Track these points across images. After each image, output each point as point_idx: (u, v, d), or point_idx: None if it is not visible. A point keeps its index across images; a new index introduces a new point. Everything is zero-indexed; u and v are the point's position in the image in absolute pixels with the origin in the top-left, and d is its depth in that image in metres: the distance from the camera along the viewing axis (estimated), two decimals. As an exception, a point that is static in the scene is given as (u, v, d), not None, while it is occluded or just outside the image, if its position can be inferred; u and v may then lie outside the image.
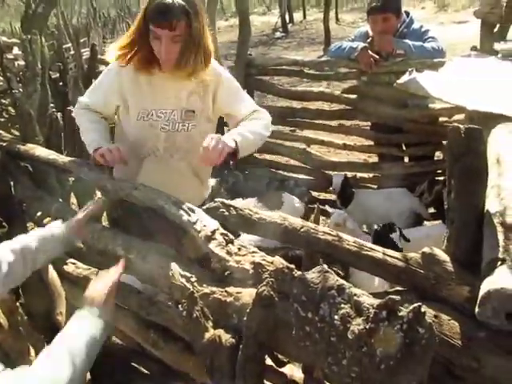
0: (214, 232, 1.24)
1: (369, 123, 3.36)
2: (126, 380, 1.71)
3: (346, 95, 3.13)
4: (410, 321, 0.65)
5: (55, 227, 1.40)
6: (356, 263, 1.04)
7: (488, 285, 0.81)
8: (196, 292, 1.18)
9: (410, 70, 1.91)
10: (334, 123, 3.51)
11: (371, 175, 3.31)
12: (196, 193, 1.85)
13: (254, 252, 1.23)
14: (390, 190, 2.91)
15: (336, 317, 0.70)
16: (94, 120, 1.75)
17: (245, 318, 0.97)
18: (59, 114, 2.34)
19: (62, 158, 1.81)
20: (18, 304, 1.66)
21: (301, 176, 3.47)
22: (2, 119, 5.94)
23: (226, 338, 1.07)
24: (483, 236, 0.93)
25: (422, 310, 0.65)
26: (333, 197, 3.38)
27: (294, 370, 1.19)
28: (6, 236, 1.58)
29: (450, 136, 0.93)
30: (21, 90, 5.55)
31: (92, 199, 1.81)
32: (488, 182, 1.02)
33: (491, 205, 0.96)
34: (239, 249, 1.24)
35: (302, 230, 1.09)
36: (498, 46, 2.11)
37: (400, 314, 0.65)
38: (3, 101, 6.33)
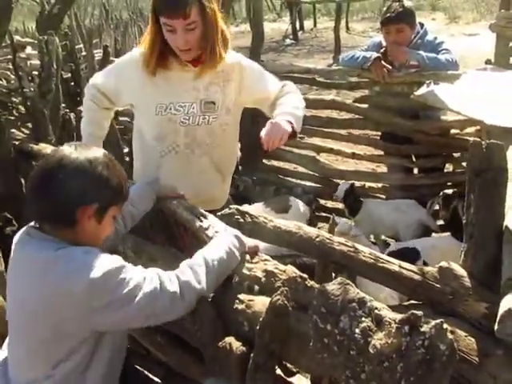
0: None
1: (378, 133, 3.35)
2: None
3: (357, 104, 3.13)
4: (431, 337, 0.64)
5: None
6: (371, 275, 1.03)
7: (508, 303, 0.80)
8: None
9: (427, 82, 1.90)
10: (343, 131, 3.50)
11: (380, 185, 3.30)
12: (219, 190, 1.79)
13: (266, 260, 1.22)
14: (399, 200, 2.89)
15: (357, 330, 0.69)
16: (94, 122, 1.75)
17: (257, 327, 0.96)
18: (72, 115, 2.36)
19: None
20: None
21: (308, 183, 3.46)
22: (12, 117, 5.98)
23: (237, 345, 1.06)
24: (502, 252, 0.93)
25: (444, 326, 0.64)
26: (340, 205, 3.38)
27: (302, 380, 1.18)
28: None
29: (472, 151, 0.93)
30: (32, 89, 5.61)
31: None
32: (507, 198, 1.01)
33: (510, 221, 0.95)
34: (251, 256, 1.24)
35: (317, 239, 1.08)
36: (513, 60, 2.11)
37: (422, 329, 0.65)
38: (14, 99, 6.38)
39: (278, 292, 0.94)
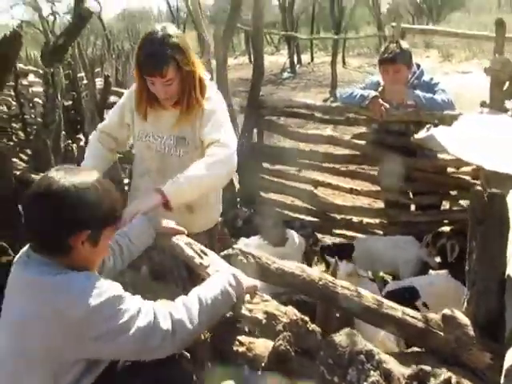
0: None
1: (376, 168, 3.38)
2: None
3: (355, 141, 3.17)
4: (439, 393, 0.63)
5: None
6: (374, 320, 1.03)
7: (513, 355, 0.79)
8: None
9: (427, 126, 1.94)
10: (341, 166, 3.53)
11: (377, 221, 3.30)
12: (186, 219, 1.72)
13: (266, 300, 1.21)
14: (397, 237, 2.90)
15: (365, 384, 0.68)
16: (98, 156, 1.90)
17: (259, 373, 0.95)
18: (74, 146, 2.37)
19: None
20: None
21: (306, 217, 3.46)
22: (12, 143, 5.99)
23: (236, 389, 1.04)
24: (505, 301, 0.93)
25: (453, 381, 0.64)
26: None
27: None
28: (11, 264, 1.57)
29: (473, 199, 0.94)
30: (33, 115, 5.65)
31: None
32: (508, 245, 1.02)
33: (512, 270, 0.96)
34: (251, 296, 1.23)
35: (320, 282, 1.08)
36: (509, 103, 2.16)
37: (430, 384, 0.64)
38: (14, 125, 6.42)
39: (280, 337, 0.93)
